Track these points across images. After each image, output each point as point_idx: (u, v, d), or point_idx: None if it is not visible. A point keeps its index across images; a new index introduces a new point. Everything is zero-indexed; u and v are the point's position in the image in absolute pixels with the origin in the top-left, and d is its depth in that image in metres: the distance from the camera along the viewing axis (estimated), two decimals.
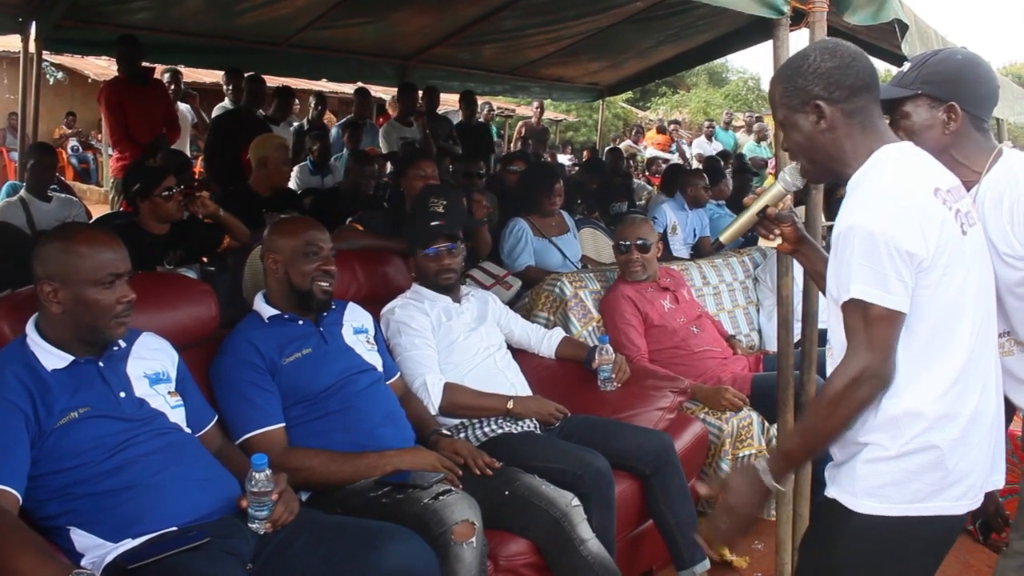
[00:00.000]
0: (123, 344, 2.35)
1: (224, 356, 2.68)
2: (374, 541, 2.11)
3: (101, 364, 2.25)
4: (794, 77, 1.87)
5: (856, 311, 1.74)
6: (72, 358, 2.21)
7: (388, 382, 2.97)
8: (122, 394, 2.25)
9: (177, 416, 2.37)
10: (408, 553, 2.12)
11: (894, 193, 1.75)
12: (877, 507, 1.80)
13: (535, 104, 11.65)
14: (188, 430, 2.39)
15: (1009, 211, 1.99)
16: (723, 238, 2.27)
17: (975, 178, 2.06)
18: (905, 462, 1.77)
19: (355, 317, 3.00)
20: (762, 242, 2.31)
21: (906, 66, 2.17)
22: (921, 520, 1.79)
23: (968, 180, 2.06)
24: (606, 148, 10.64)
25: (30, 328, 2.23)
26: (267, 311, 2.80)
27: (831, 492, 1.89)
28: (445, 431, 2.97)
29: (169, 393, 2.38)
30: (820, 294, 2.29)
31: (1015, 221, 1.98)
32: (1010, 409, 2.21)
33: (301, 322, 2.81)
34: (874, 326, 1.72)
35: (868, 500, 1.80)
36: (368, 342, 2.96)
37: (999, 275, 1.99)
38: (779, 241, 2.25)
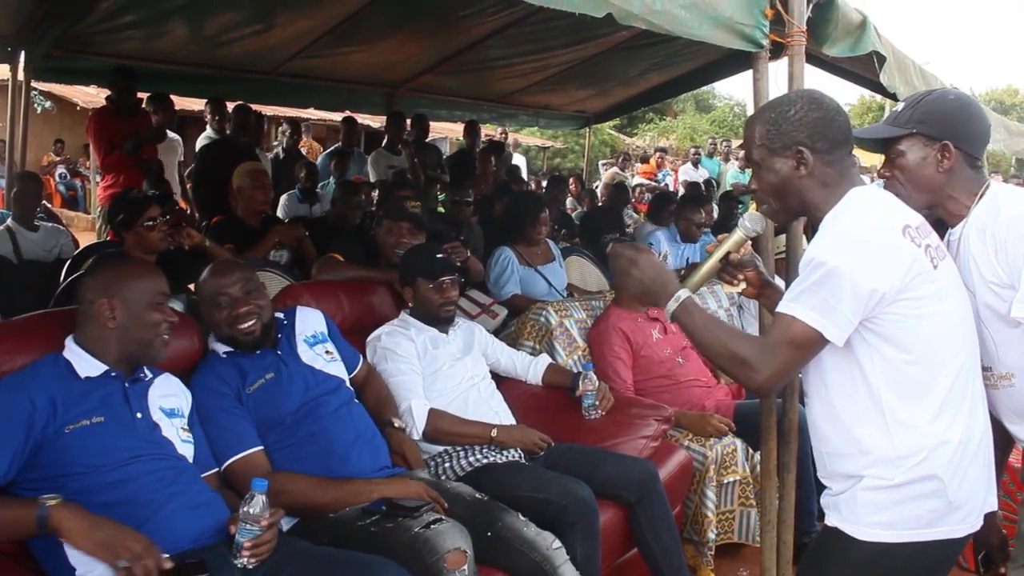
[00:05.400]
0: (148, 376, 2.47)
1: (193, 391, 2.68)
2: (359, 574, 2.12)
3: (127, 385, 2.37)
4: (778, 121, 1.95)
5: (783, 322, 1.84)
6: (105, 368, 2.34)
7: (351, 375, 3.03)
8: (139, 415, 2.36)
9: (185, 450, 2.44)
10: None
11: (861, 231, 1.83)
12: (880, 534, 1.85)
13: (499, 131, 11.67)
14: (193, 465, 2.44)
15: (992, 240, 2.02)
16: (688, 286, 2.21)
17: (965, 212, 2.10)
18: (906, 490, 1.84)
19: (307, 325, 3.02)
20: (726, 288, 2.31)
21: (900, 105, 2.21)
22: (925, 545, 1.85)
23: (959, 214, 2.11)
24: (613, 183, 10.66)
25: (70, 340, 2.38)
26: (221, 348, 2.82)
27: (832, 521, 1.94)
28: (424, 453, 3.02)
29: (183, 428, 2.48)
30: None
31: (998, 250, 2.01)
32: (1010, 440, 2.26)
33: (259, 351, 2.82)
34: (789, 344, 1.83)
35: (871, 528, 1.86)
36: (327, 352, 2.98)
37: (987, 304, 2.03)
38: (743, 286, 2.29)
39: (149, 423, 2.37)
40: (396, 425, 2.97)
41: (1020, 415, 2.13)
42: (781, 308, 1.86)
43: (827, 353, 1.88)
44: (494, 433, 3.13)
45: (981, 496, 1.91)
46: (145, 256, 3.83)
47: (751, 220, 2.20)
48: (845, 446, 1.91)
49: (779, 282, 2.57)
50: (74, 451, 2.17)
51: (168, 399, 2.49)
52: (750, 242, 2.26)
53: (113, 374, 2.35)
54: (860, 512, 1.87)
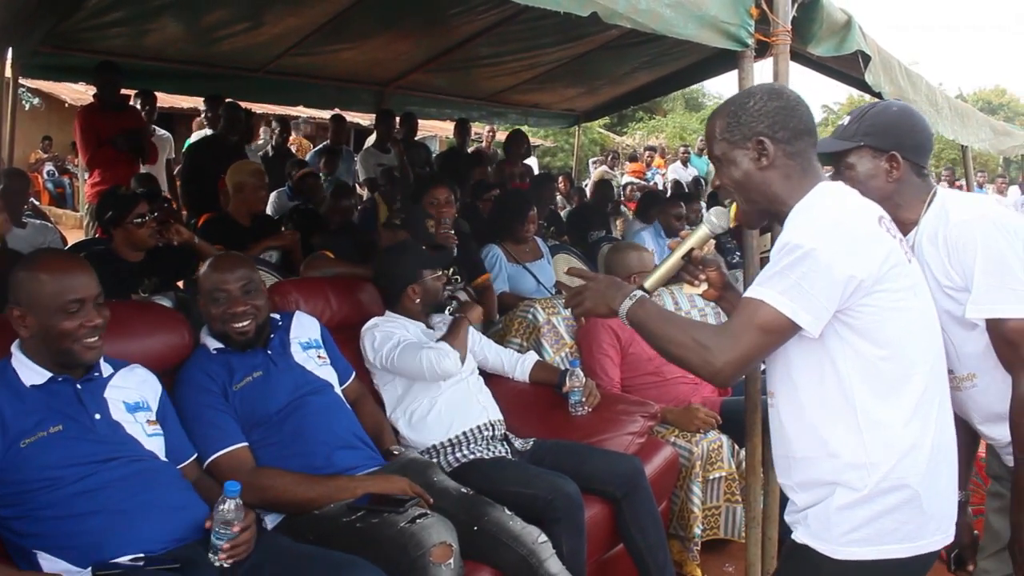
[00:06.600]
0: (104, 372, 2.38)
1: (180, 386, 2.69)
2: (338, 574, 2.13)
3: (79, 386, 2.28)
4: (738, 113, 1.90)
5: (749, 306, 1.77)
6: (50, 375, 2.25)
7: (343, 386, 3.03)
8: (97, 416, 2.28)
9: (153, 444, 2.38)
10: None
11: (837, 216, 1.78)
12: (856, 552, 1.78)
13: (487, 129, 11.68)
14: (165, 460, 2.40)
15: (944, 244, 2.06)
16: (648, 285, 2.08)
17: (915, 219, 2.14)
18: (879, 503, 1.77)
19: (303, 331, 3.02)
20: (687, 288, 2.23)
21: (846, 119, 2.24)
22: (900, 561, 1.79)
23: (909, 222, 2.14)
24: (597, 182, 10.67)
25: (15, 346, 2.28)
26: (212, 343, 2.82)
27: (801, 538, 1.87)
28: (413, 453, 3.02)
29: (148, 422, 2.40)
30: None
31: (951, 254, 2.05)
32: (975, 442, 2.30)
33: (250, 349, 2.82)
34: (755, 330, 1.75)
35: (846, 546, 1.79)
36: (319, 357, 2.99)
37: (944, 309, 2.04)
38: (704, 287, 2.18)
39: (109, 423, 2.29)
40: (395, 453, 2.99)
41: (985, 414, 2.16)
42: (749, 293, 1.78)
43: (796, 348, 1.80)
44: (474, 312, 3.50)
45: (951, 505, 1.87)
46: (134, 253, 3.82)
47: (717, 215, 2.09)
48: (812, 449, 1.83)
49: None
50: (34, 465, 2.12)
51: (130, 392, 2.41)
52: (714, 241, 2.21)
53: (60, 379, 2.25)
54: (833, 529, 1.79)
